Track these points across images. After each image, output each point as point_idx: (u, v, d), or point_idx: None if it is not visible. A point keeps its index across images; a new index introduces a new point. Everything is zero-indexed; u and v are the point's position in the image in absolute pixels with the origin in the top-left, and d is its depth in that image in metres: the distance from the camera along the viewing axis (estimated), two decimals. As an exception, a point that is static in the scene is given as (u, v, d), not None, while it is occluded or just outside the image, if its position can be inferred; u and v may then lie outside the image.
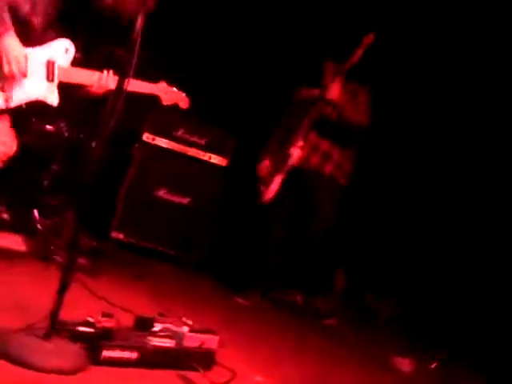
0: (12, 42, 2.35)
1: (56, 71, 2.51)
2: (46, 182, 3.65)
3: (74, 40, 2.59)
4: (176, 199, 4.20)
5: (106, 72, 2.55)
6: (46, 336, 1.92)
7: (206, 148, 4.26)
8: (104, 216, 4.01)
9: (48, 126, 3.46)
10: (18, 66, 2.38)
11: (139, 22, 1.93)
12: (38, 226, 3.51)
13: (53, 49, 2.52)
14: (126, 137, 4.10)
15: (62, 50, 2.54)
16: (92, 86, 2.54)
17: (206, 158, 4.27)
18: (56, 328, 1.94)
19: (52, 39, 2.54)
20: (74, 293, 2.23)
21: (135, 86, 2.50)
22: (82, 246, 3.40)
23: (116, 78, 2.47)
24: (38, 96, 2.50)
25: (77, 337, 2.02)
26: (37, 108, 3.29)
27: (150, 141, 4.13)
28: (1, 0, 2.34)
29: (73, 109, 3.38)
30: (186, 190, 4.21)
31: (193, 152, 4.24)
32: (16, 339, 1.90)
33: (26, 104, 2.50)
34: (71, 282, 1.97)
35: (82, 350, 2.00)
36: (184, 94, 2.73)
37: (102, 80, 2.53)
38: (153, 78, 2.63)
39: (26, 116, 3.41)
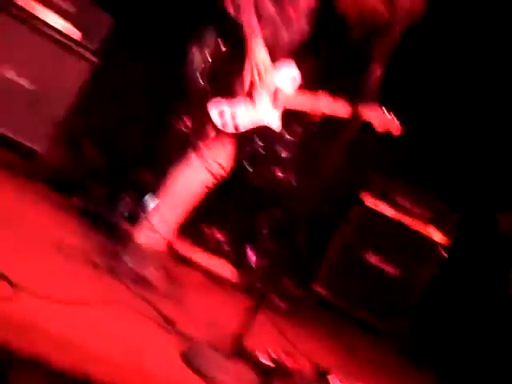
0: (259, 46, 2.38)
1: (281, 98, 2.58)
2: (265, 227, 3.89)
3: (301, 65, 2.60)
4: (386, 267, 4.11)
5: (322, 95, 2.60)
6: (230, 355, 2.01)
7: (428, 221, 4.13)
8: (309, 266, 4.10)
9: (278, 172, 3.69)
10: (261, 71, 2.39)
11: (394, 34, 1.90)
12: (252, 264, 3.73)
13: (281, 75, 2.57)
14: (345, 193, 4.18)
15: (289, 78, 2.59)
16: (312, 112, 2.65)
17: (425, 232, 4.13)
18: (240, 351, 2.03)
19: (284, 62, 2.56)
20: (262, 326, 2.30)
21: (341, 108, 2.56)
22: (283, 288, 3.52)
23: (331, 100, 2.57)
24: (264, 121, 2.60)
25: (256, 365, 2.07)
26: (272, 153, 3.53)
27: (369, 203, 4.14)
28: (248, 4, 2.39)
29: (305, 159, 3.57)
30: (399, 261, 4.10)
31: (413, 223, 4.14)
32: (202, 350, 2.02)
33: (254, 129, 2.56)
34: (261, 310, 2.05)
35: (258, 380, 2.04)
36: (397, 122, 2.68)
37: (318, 104, 2.60)
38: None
39: (263, 159, 3.70)
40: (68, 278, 2.15)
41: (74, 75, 3.86)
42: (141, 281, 2.45)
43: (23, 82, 3.74)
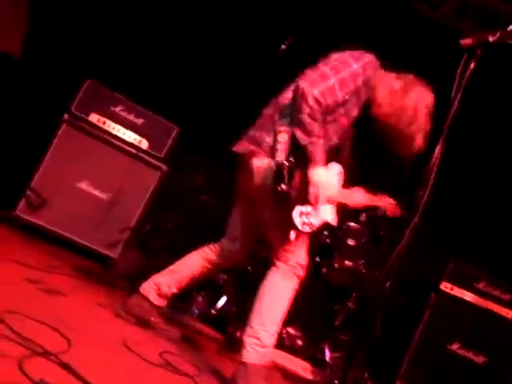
0: (321, 173, 2.51)
1: (332, 193, 2.67)
2: (338, 320, 3.79)
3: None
4: (469, 355, 3.87)
5: (357, 189, 2.83)
6: None
7: (510, 304, 3.91)
8: (389, 361, 3.91)
9: (347, 262, 3.65)
10: (319, 196, 2.52)
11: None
12: (327, 359, 3.61)
13: (330, 172, 2.68)
14: (422, 283, 4.05)
15: (336, 174, 2.74)
16: (352, 204, 2.85)
17: (508, 316, 3.90)
18: None
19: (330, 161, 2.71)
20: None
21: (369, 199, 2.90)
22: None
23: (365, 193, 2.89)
24: (325, 218, 2.64)
25: None
26: (339, 243, 3.53)
27: (448, 290, 3.98)
28: (321, 135, 2.50)
29: (370, 247, 3.53)
30: (481, 347, 3.86)
31: (494, 307, 3.92)
32: None
33: (319, 227, 2.61)
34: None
35: None
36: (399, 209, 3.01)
37: (355, 197, 2.83)
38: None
39: (330, 250, 3.68)
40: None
41: (144, 183, 4.07)
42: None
43: (97, 192, 3.96)
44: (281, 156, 2.47)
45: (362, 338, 3.55)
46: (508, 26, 2.01)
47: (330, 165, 2.68)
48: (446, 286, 3.99)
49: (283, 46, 3.84)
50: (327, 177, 2.55)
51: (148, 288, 2.91)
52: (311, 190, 2.50)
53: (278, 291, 2.59)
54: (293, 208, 2.50)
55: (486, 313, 3.94)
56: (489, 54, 2.10)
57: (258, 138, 2.64)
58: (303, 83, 2.45)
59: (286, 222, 2.53)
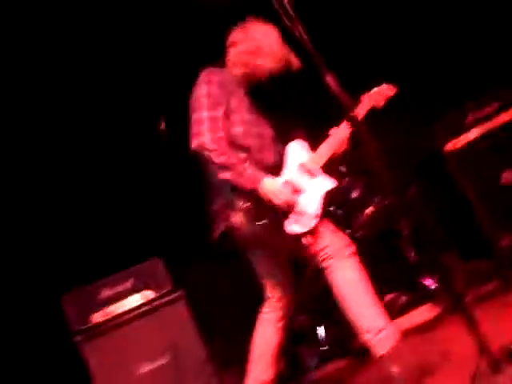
0: (267, 184, 2.53)
1: (311, 166, 2.67)
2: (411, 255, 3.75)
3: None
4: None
5: (335, 129, 2.73)
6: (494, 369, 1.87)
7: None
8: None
9: (367, 210, 3.64)
10: (283, 197, 2.52)
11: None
12: (432, 288, 3.56)
13: (292, 153, 2.70)
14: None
15: (299, 150, 2.73)
16: (338, 152, 2.75)
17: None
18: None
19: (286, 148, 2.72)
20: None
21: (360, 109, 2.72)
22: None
23: (344, 124, 2.68)
24: (322, 191, 2.64)
25: None
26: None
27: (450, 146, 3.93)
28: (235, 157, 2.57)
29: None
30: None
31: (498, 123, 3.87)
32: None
33: (322, 207, 2.62)
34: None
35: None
36: (385, 84, 2.80)
37: (339, 139, 2.72)
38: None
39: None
40: None
41: (182, 321, 3.96)
42: None
43: (158, 362, 3.84)
44: (238, 203, 2.55)
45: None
46: None
47: (290, 146, 2.72)
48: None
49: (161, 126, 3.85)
50: (274, 182, 2.57)
51: None
52: (275, 202, 2.51)
53: (349, 286, 2.54)
54: (282, 227, 2.52)
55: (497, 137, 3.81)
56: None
57: (220, 208, 2.68)
58: (192, 144, 2.57)
59: (295, 239, 2.55)
